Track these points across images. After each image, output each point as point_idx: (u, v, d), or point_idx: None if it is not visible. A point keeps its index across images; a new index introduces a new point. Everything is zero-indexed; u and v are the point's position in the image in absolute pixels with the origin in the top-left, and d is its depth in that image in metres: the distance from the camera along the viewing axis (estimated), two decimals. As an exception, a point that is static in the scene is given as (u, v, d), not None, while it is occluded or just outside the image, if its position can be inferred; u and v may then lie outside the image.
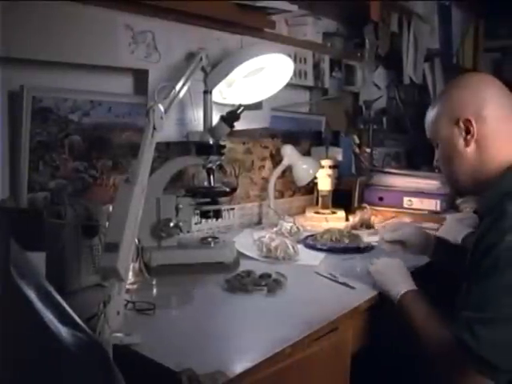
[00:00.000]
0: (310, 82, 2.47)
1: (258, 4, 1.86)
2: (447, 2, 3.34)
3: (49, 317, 0.70)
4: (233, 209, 2.11)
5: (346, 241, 1.85)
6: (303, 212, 2.42)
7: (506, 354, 1.08)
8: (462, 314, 1.12)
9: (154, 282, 1.45)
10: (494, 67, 4.10)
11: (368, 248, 1.83)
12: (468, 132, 1.27)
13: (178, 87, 1.45)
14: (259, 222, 2.22)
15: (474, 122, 1.25)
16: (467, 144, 1.27)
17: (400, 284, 1.37)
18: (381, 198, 2.46)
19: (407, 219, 2.30)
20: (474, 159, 1.27)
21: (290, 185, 2.43)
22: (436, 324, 1.22)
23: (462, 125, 1.27)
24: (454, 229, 1.92)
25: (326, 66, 2.57)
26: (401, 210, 2.40)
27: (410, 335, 1.27)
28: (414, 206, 2.39)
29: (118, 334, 1.02)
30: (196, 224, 1.90)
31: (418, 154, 3.09)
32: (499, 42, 4.01)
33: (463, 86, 1.31)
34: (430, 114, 1.37)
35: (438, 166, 1.41)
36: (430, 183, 2.38)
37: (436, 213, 2.31)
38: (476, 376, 1.09)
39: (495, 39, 4.01)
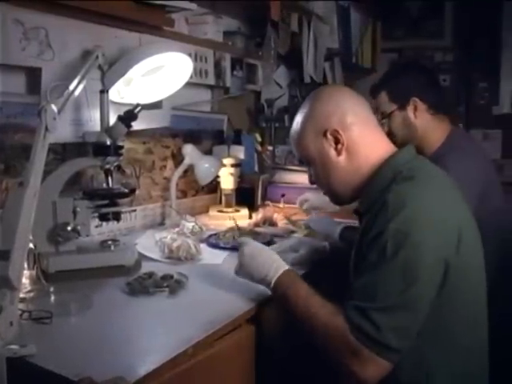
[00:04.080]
0: (211, 80, 2.46)
1: (157, 2, 1.83)
2: (346, 4, 3.43)
3: None
4: (134, 210, 2.08)
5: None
6: (207, 211, 2.41)
7: (405, 337, 1.13)
8: (357, 304, 1.14)
9: (51, 289, 1.39)
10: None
11: (271, 243, 1.82)
12: (337, 142, 1.31)
13: (72, 86, 1.41)
14: (162, 223, 2.19)
15: (340, 131, 1.30)
16: (339, 153, 1.32)
17: (271, 268, 1.31)
18: (283, 195, 2.49)
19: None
20: (348, 167, 1.32)
21: (192, 184, 2.42)
22: (326, 310, 1.20)
23: (329, 136, 1.31)
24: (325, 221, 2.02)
25: (227, 64, 2.57)
26: (303, 206, 2.43)
27: (292, 319, 1.26)
28: (315, 203, 2.42)
29: (13, 346, 0.99)
30: (96, 227, 1.84)
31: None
32: (396, 43, 4.20)
33: (322, 100, 1.35)
34: (295, 131, 1.39)
35: (315, 182, 1.42)
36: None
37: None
38: (373, 359, 1.12)
39: (392, 40, 4.19)
